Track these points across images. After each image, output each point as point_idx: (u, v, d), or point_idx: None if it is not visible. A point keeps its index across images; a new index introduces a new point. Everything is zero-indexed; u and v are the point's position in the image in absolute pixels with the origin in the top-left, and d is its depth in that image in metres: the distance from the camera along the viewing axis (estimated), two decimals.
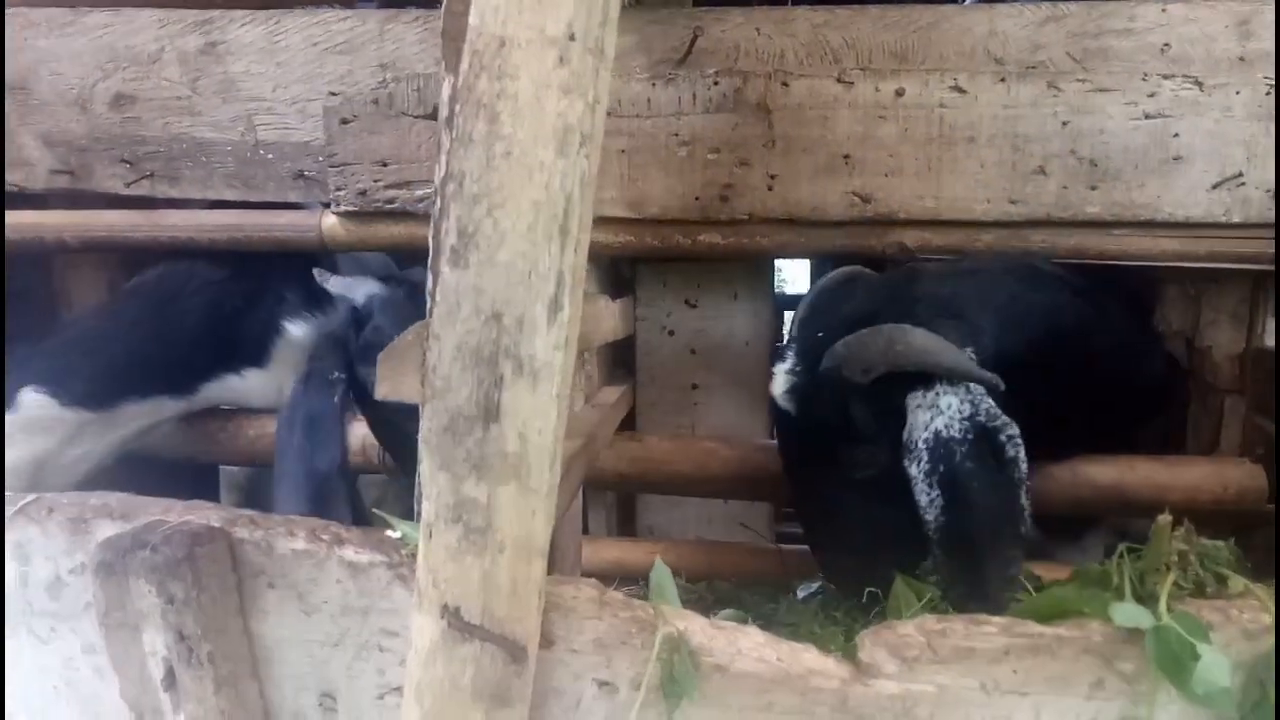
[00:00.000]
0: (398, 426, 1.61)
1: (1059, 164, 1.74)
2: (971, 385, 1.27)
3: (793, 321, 1.58)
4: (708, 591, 1.91)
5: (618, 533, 2.21)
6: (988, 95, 1.75)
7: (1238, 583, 0.90)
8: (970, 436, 1.20)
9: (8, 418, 1.65)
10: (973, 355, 1.34)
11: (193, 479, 2.09)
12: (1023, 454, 1.20)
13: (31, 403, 1.68)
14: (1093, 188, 1.74)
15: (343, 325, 1.94)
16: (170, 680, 0.92)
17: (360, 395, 1.81)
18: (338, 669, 0.98)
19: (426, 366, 0.83)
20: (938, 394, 1.24)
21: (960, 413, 1.21)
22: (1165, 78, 1.72)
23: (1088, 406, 1.58)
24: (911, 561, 1.38)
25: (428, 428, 0.84)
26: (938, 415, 1.22)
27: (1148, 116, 1.72)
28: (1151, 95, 1.72)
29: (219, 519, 0.97)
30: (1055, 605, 0.91)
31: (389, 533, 0.98)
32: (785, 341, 1.56)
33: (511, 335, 0.82)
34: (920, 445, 1.20)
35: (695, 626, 0.94)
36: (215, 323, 1.93)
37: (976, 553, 1.17)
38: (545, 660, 0.94)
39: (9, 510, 0.99)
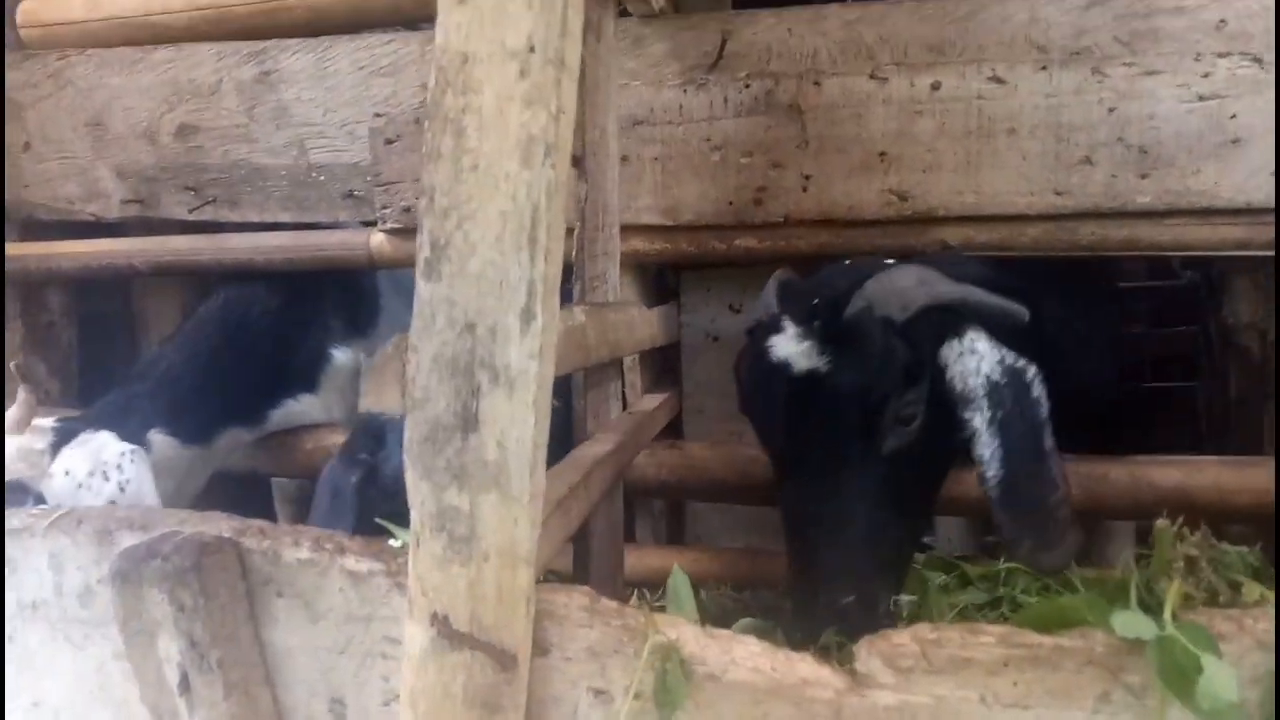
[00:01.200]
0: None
1: (1106, 152, 1.67)
2: (986, 330, 1.24)
3: (757, 309, 1.45)
4: (751, 600, 1.88)
5: (667, 542, 2.21)
6: (1028, 84, 1.69)
7: (1254, 590, 0.83)
8: (1007, 380, 1.16)
9: (146, 458, 1.65)
10: None
11: (247, 491, 2.17)
12: (1045, 393, 1.15)
13: (162, 444, 1.74)
14: (1143, 176, 1.67)
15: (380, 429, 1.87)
16: (185, 685, 0.96)
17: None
18: (345, 675, 1.01)
19: (406, 378, 0.85)
20: (972, 339, 1.19)
21: (994, 356, 1.16)
22: (1221, 56, 1.63)
23: None
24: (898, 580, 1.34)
25: (410, 438, 0.86)
26: (981, 360, 1.17)
27: (1202, 98, 1.64)
28: (1206, 75, 1.63)
29: (229, 529, 1.00)
30: (1060, 614, 0.87)
31: (390, 542, 1.00)
32: (757, 324, 1.42)
33: (486, 345, 0.83)
34: (980, 393, 1.15)
35: (688, 635, 0.93)
36: (275, 352, 1.99)
37: (1038, 499, 1.12)
38: (541, 668, 0.94)
39: (44, 523, 1.05)
